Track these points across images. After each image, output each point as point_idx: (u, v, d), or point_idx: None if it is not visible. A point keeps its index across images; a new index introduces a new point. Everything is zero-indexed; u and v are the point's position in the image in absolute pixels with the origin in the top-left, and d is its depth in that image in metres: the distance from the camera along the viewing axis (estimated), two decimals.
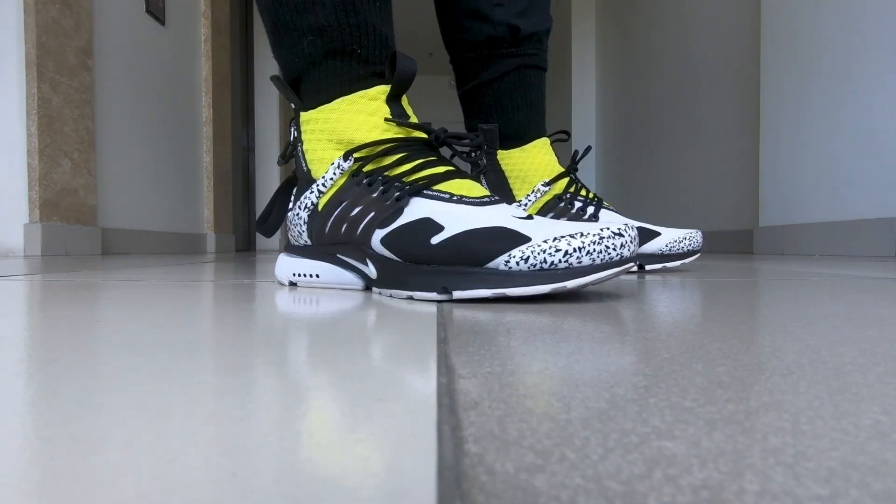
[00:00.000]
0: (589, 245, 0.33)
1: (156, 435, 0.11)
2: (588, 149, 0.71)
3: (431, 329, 0.24)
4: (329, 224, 0.42)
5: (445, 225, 0.36)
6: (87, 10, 1.67)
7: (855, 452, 0.10)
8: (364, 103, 0.41)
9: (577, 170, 0.73)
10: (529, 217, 0.38)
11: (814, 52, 1.57)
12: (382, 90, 0.42)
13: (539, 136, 0.72)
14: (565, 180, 0.70)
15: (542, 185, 0.69)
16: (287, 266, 0.47)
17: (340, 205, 0.41)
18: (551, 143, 0.73)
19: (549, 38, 0.72)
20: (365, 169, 0.41)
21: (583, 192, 0.70)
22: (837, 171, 1.50)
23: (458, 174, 0.40)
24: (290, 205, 0.47)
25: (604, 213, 0.69)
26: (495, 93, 0.71)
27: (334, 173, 0.42)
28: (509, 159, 0.71)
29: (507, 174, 0.71)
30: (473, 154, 0.45)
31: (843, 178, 1.48)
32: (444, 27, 0.72)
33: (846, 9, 1.46)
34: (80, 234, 1.63)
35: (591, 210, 0.69)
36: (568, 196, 0.69)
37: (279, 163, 0.47)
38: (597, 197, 0.70)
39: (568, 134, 0.76)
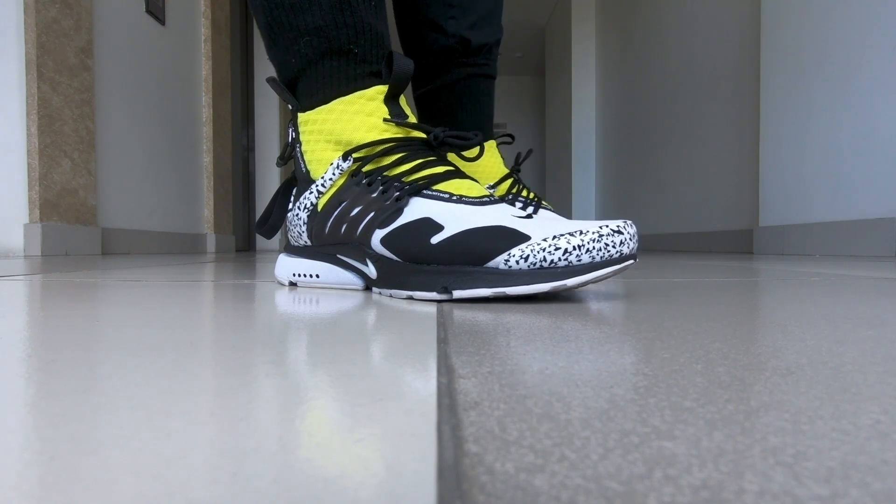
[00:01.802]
0: (588, 243, 0.33)
1: (156, 435, 0.11)
2: (530, 151, 0.75)
3: (431, 329, 0.24)
4: (329, 224, 0.42)
5: (445, 224, 0.36)
6: (87, 9, 1.67)
7: (855, 452, 0.10)
8: (362, 103, 0.41)
9: (519, 171, 0.76)
10: (529, 216, 0.38)
11: (814, 52, 1.57)
12: (380, 90, 0.42)
13: (486, 140, 0.76)
14: (509, 181, 0.74)
15: (488, 187, 0.72)
16: (287, 266, 0.47)
17: (340, 205, 0.41)
18: (497, 146, 0.77)
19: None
20: (364, 169, 0.41)
21: (524, 193, 0.74)
22: (837, 171, 1.50)
23: (457, 174, 0.40)
24: (290, 205, 0.47)
25: (542, 213, 0.72)
26: (447, 99, 0.75)
27: (333, 174, 0.42)
28: (459, 162, 0.74)
29: None
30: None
31: (843, 178, 1.48)
32: (403, 35, 0.76)
33: (847, 9, 1.46)
34: (80, 234, 1.63)
35: (530, 210, 0.72)
36: (510, 197, 0.73)
37: (278, 164, 0.47)
38: (537, 197, 0.75)
39: (512, 137, 0.81)
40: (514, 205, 0.73)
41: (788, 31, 1.67)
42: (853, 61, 1.44)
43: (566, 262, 0.33)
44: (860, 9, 1.41)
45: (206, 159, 2.52)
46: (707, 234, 2.27)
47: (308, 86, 0.44)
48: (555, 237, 0.33)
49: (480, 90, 0.74)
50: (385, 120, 0.41)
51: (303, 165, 0.44)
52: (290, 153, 0.46)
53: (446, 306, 0.33)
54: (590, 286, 0.46)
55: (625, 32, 3.18)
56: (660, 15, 2.72)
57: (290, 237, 0.47)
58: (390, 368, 0.17)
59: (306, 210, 0.44)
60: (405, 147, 0.41)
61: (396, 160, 0.40)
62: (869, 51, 1.39)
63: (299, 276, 0.46)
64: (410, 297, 0.37)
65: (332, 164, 0.42)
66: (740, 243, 2.02)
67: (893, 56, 1.33)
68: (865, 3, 1.40)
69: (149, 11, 2.04)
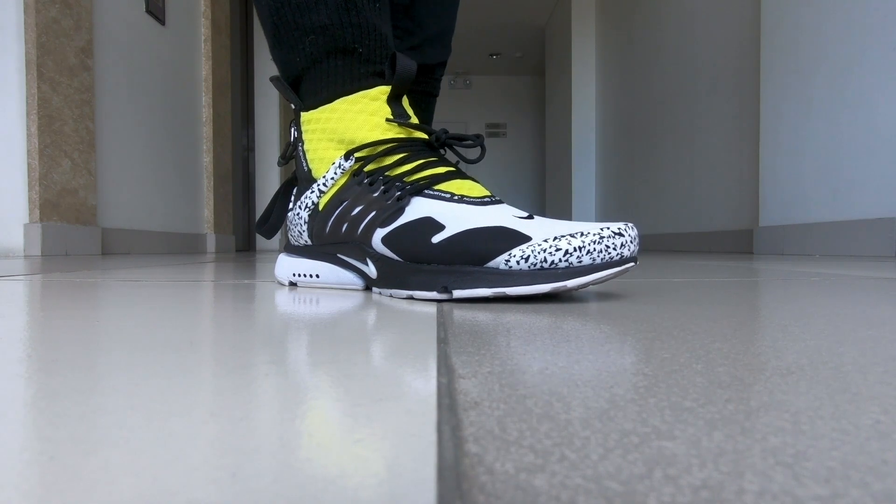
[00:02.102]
0: (589, 244, 0.33)
1: (156, 435, 0.11)
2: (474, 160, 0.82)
3: (431, 329, 0.24)
4: (330, 224, 0.42)
5: (446, 224, 0.36)
6: (87, 10, 1.67)
7: (855, 452, 0.10)
8: (365, 103, 0.41)
9: None
10: (530, 217, 0.38)
11: (814, 53, 1.57)
12: (383, 90, 0.42)
13: None
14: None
15: None
16: (287, 266, 0.47)
17: (341, 204, 0.41)
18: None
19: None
20: (366, 169, 0.41)
21: None
22: (837, 171, 1.50)
23: (458, 174, 0.40)
24: (291, 205, 0.47)
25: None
26: None
27: (335, 173, 0.42)
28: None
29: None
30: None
31: (843, 178, 1.48)
32: None
33: (846, 9, 1.46)
34: (80, 234, 1.63)
35: None
36: None
37: (279, 164, 0.47)
38: None
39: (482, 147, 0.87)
40: None
41: (788, 31, 1.67)
42: (853, 61, 1.44)
43: (567, 264, 0.33)
44: (860, 9, 1.41)
45: (206, 159, 2.52)
46: (707, 234, 2.27)
47: (312, 85, 0.44)
48: (556, 238, 0.33)
49: (417, 106, 0.75)
50: (387, 120, 0.41)
51: (304, 164, 0.44)
52: (292, 153, 0.46)
53: (446, 306, 0.33)
54: (590, 287, 0.46)
55: (625, 32, 3.18)
56: (660, 15, 2.72)
57: (290, 237, 0.47)
58: (390, 368, 0.17)
59: (307, 209, 0.44)
60: (407, 147, 0.41)
61: (398, 160, 0.40)
62: (868, 50, 1.39)
63: (299, 275, 0.46)
64: (410, 297, 0.37)
65: (333, 163, 0.42)
66: (740, 243, 2.02)
67: (893, 56, 1.33)
68: (865, 2, 1.40)
69: (149, 11, 2.04)
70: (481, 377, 0.16)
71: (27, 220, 1.50)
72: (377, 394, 0.14)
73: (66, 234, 1.57)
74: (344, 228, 0.41)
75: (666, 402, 0.13)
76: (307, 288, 0.45)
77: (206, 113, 2.51)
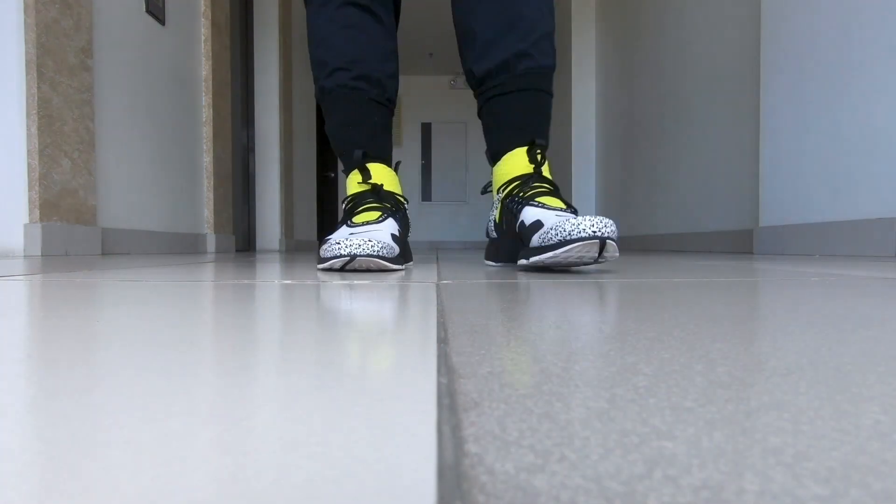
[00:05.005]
0: (557, 226, 0.55)
1: (156, 435, 0.11)
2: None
3: (431, 329, 0.24)
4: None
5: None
6: (87, 10, 1.67)
7: (855, 452, 0.10)
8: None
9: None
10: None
11: (814, 52, 1.57)
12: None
13: (511, 149, 0.83)
14: (517, 182, 0.81)
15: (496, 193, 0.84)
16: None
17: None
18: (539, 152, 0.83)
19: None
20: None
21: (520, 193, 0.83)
22: (837, 171, 1.50)
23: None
24: None
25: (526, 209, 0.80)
26: (483, 121, 0.88)
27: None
28: (494, 172, 0.87)
29: (493, 185, 0.87)
30: None
31: (843, 178, 1.48)
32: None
33: (846, 8, 1.46)
34: (80, 234, 1.63)
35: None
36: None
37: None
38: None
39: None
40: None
41: (788, 31, 1.67)
42: (853, 61, 1.44)
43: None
44: (860, 8, 1.41)
45: (206, 159, 2.52)
46: (707, 234, 2.26)
47: None
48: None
49: (499, 110, 0.84)
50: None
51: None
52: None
53: (447, 306, 0.33)
54: (590, 286, 0.46)
55: (625, 32, 3.18)
56: (660, 15, 2.72)
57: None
58: (390, 368, 0.17)
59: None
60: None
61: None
62: (868, 51, 1.39)
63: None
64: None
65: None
66: (740, 243, 2.02)
67: (893, 56, 1.33)
68: (865, 2, 1.40)
69: (149, 11, 2.04)
70: (481, 377, 0.16)
71: (27, 221, 1.50)
72: (377, 394, 0.14)
73: (66, 235, 1.57)
74: None
75: (666, 402, 0.13)
76: (307, 288, 0.45)
77: (206, 113, 2.51)
